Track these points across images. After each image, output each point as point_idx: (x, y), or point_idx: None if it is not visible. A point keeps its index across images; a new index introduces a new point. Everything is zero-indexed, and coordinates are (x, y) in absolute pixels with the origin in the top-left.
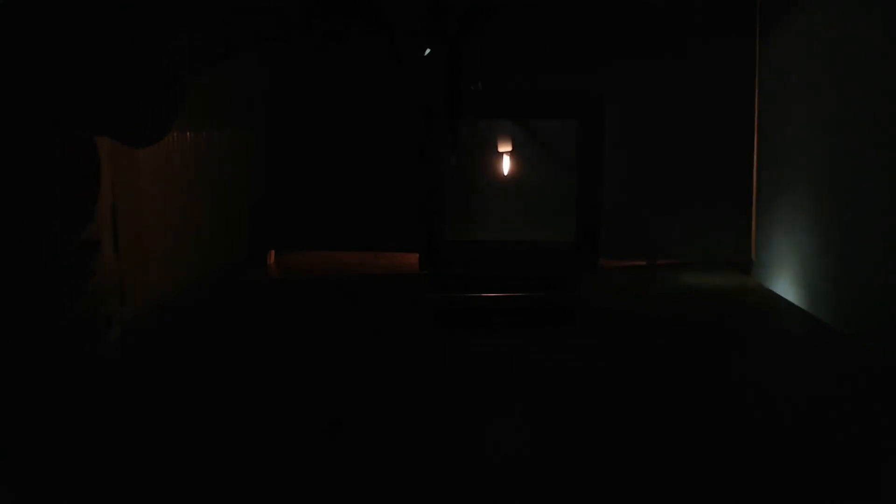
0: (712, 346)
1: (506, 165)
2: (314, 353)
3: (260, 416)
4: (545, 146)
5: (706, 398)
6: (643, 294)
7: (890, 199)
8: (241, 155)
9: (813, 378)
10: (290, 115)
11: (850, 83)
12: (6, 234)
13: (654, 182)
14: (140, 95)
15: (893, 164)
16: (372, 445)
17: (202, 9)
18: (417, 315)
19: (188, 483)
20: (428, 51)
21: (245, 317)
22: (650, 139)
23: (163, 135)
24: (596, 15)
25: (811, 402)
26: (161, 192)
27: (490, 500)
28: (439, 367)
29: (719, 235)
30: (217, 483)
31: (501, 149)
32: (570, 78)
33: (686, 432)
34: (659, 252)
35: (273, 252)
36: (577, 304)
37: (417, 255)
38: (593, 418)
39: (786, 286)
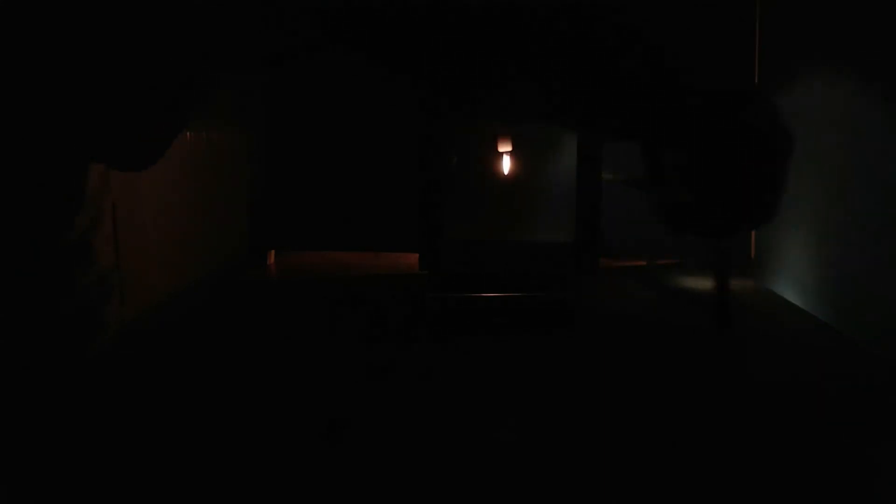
0: (711, 346)
1: (506, 165)
2: (314, 354)
3: (259, 418)
4: (545, 146)
5: (705, 399)
6: (643, 294)
7: (890, 199)
8: (241, 155)
9: (811, 378)
10: (289, 115)
11: (851, 83)
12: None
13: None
14: (137, 123)
15: (894, 164)
16: (371, 449)
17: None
18: (417, 315)
19: (186, 485)
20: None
21: (245, 317)
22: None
23: (159, 157)
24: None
25: (808, 402)
26: (161, 192)
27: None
28: (439, 367)
29: None
30: (216, 485)
31: (501, 149)
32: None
33: (684, 435)
34: (659, 252)
35: (273, 252)
36: (576, 304)
37: (417, 255)
38: (591, 420)
39: (785, 286)
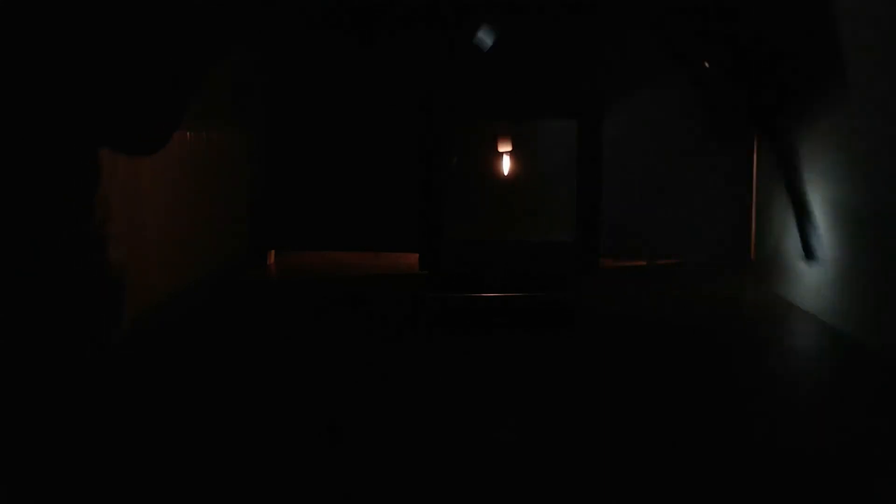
0: (710, 345)
1: (506, 165)
2: (314, 354)
3: (260, 418)
4: (545, 146)
5: (704, 399)
6: (642, 294)
7: (888, 200)
8: (241, 155)
9: (809, 377)
10: (289, 115)
11: (851, 87)
12: (11, 234)
13: (654, 183)
14: (142, 105)
15: (892, 165)
16: (371, 449)
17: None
18: (417, 315)
19: (187, 484)
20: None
21: (245, 317)
22: (651, 141)
23: (165, 142)
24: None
25: (809, 401)
26: (162, 192)
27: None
28: (439, 367)
29: (719, 235)
30: (216, 484)
31: (501, 149)
32: (570, 79)
33: (684, 435)
34: (659, 252)
35: (273, 252)
36: (576, 304)
37: (417, 255)
38: (591, 420)
39: (784, 285)
